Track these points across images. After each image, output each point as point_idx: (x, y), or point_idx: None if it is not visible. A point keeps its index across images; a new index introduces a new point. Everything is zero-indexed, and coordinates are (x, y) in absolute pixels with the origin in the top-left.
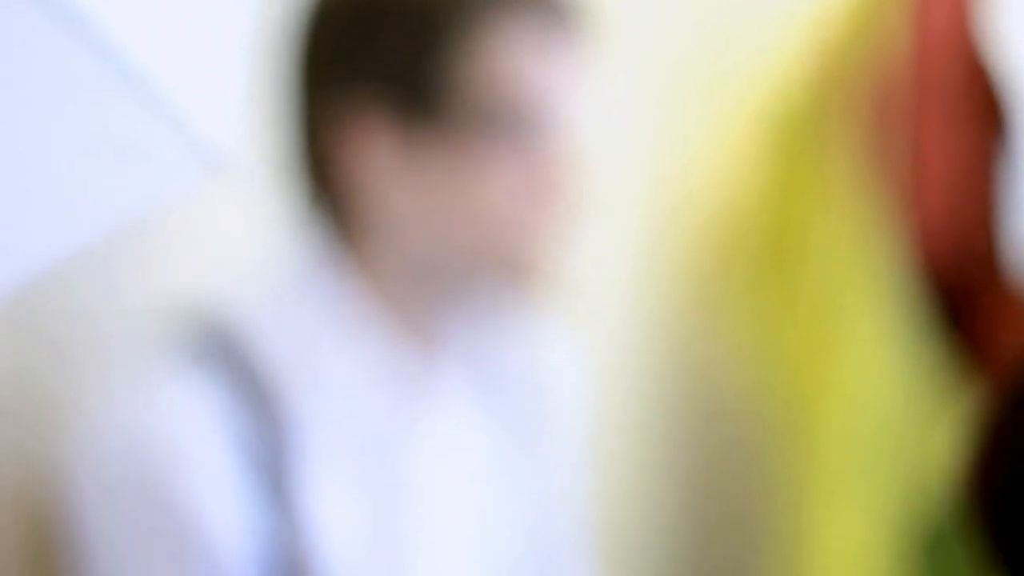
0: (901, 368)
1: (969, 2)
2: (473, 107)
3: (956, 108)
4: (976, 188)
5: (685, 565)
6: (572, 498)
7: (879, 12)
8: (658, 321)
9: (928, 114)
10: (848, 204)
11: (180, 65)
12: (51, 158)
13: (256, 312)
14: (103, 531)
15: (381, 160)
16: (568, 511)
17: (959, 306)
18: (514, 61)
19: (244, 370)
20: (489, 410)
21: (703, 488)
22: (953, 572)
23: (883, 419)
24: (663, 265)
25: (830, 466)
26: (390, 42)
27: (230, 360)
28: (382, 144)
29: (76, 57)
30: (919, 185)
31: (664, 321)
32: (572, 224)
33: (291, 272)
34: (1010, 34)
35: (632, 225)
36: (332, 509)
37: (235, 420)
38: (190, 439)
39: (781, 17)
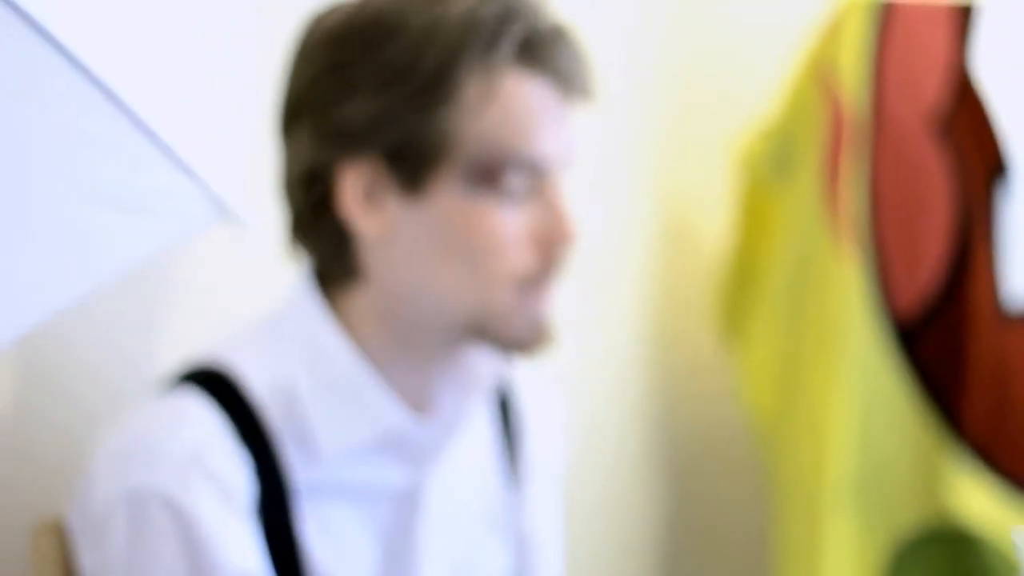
0: (878, 379)
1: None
2: (466, 159)
3: (922, 143)
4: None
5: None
6: (557, 540)
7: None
8: (652, 340)
9: (885, 153)
10: (823, 228)
11: (187, 115)
12: (59, 206)
13: (255, 363)
14: (116, 570)
15: (375, 211)
16: (554, 554)
17: (919, 331)
18: (509, 115)
19: (243, 416)
20: (477, 459)
21: (692, 502)
22: None
23: (866, 427)
24: (656, 284)
25: (817, 478)
26: (383, 92)
27: (230, 407)
28: (375, 196)
29: (85, 106)
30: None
31: (658, 341)
32: (566, 274)
33: (293, 323)
34: (992, 63)
35: (631, 240)
36: (330, 560)
37: (238, 465)
38: (197, 482)
39: (774, 42)
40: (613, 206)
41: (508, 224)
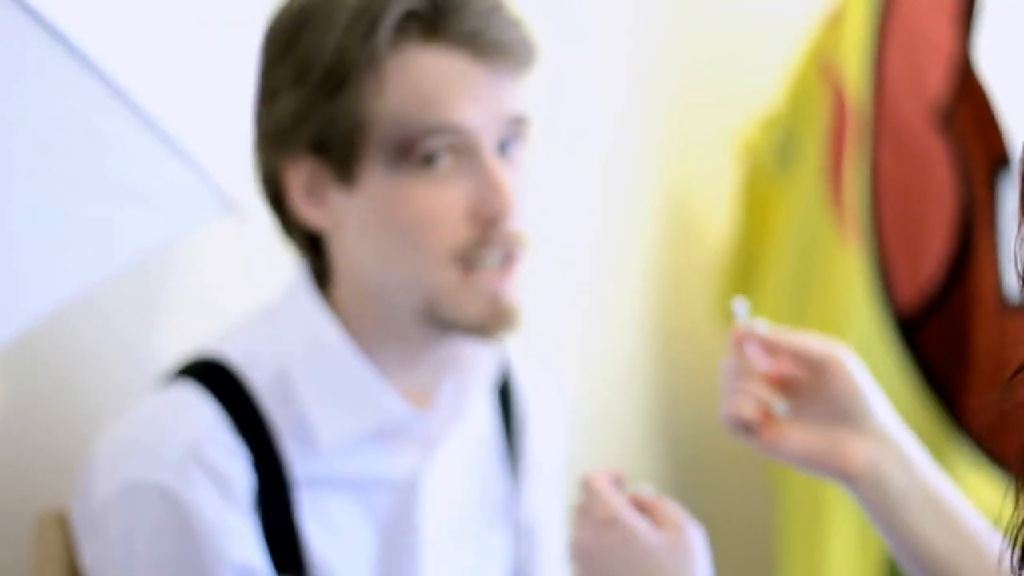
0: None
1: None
2: (383, 139)
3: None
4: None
5: None
6: (558, 532)
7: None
8: (656, 333)
9: (885, 145)
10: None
11: (191, 107)
12: (67, 199)
13: (252, 356)
14: (114, 566)
15: (319, 205)
16: (555, 545)
17: (920, 320)
18: (414, 88)
19: (241, 409)
20: (477, 451)
21: (695, 495)
22: None
23: None
24: (660, 277)
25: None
26: (298, 88)
27: (228, 399)
28: (316, 190)
29: (92, 102)
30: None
31: (662, 334)
32: (526, 248)
33: (289, 316)
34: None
35: (636, 233)
36: (330, 552)
37: (237, 457)
38: (195, 475)
39: (778, 40)
40: (617, 200)
41: (437, 199)
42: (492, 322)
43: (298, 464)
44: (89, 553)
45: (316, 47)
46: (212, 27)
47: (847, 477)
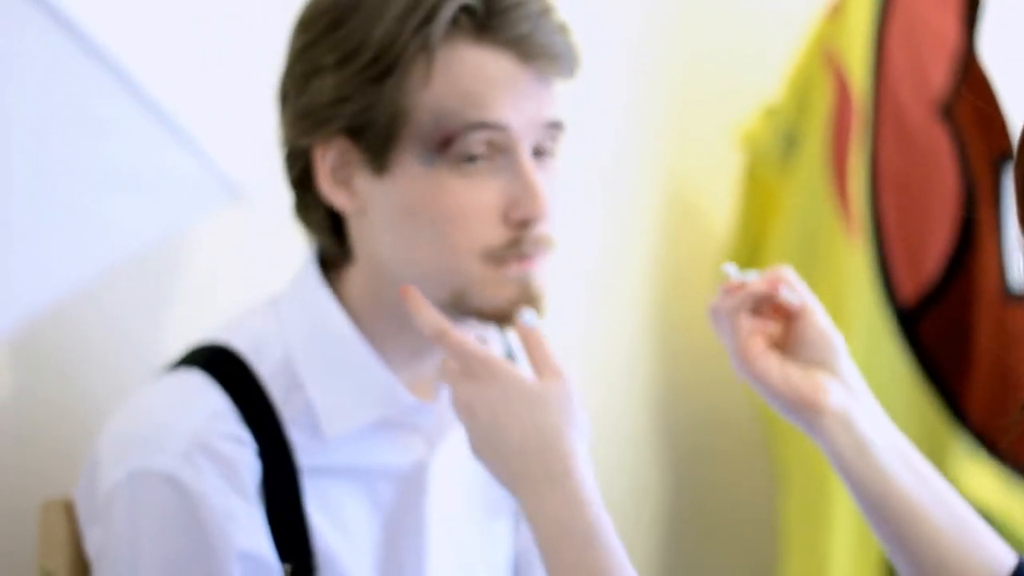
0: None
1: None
2: (422, 131)
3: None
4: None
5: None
6: None
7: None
8: (659, 326)
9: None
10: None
11: (198, 96)
12: (71, 188)
13: (258, 344)
14: (120, 555)
15: (346, 187)
16: None
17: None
18: (460, 84)
19: (247, 396)
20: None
21: (698, 488)
22: None
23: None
24: (662, 270)
25: (823, 462)
26: (341, 70)
27: (235, 387)
28: (344, 172)
29: (97, 88)
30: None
31: (664, 327)
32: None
33: (296, 305)
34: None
35: (638, 226)
36: (335, 541)
37: (243, 445)
38: (202, 462)
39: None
40: (619, 194)
41: (471, 196)
42: (520, 307)
43: (304, 453)
44: (94, 540)
45: (365, 31)
46: (215, 9)
47: (819, 411)
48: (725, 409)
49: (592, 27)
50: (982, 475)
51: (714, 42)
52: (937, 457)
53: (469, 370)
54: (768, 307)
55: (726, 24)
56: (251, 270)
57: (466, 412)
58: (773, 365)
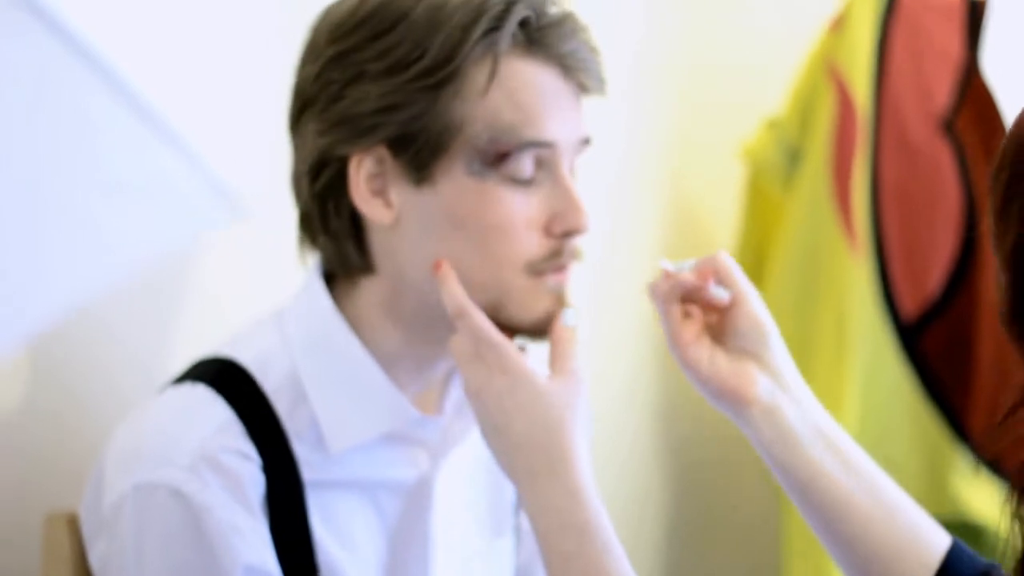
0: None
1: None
2: (473, 144)
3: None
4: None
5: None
6: None
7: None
8: (662, 338)
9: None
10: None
11: (202, 108)
12: (69, 198)
13: (263, 358)
14: (125, 567)
15: (382, 198)
16: None
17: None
18: (516, 99)
19: (252, 410)
20: (485, 457)
21: (701, 497)
22: None
23: (874, 422)
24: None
25: None
26: (388, 80)
27: (240, 401)
28: (382, 183)
29: (99, 101)
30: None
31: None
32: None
33: (302, 319)
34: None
35: (642, 239)
36: (340, 555)
37: (248, 459)
38: (207, 476)
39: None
40: (623, 206)
41: (516, 208)
42: (553, 318)
43: (308, 467)
44: (99, 552)
45: (420, 39)
46: (224, 21)
47: (745, 402)
48: (728, 419)
49: (597, 41)
50: (984, 490)
51: (718, 56)
52: (939, 471)
53: (480, 354)
54: (700, 299)
55: (730, 38)
56: (256, 285)
57: (475, 398)
58: (703, 355)
